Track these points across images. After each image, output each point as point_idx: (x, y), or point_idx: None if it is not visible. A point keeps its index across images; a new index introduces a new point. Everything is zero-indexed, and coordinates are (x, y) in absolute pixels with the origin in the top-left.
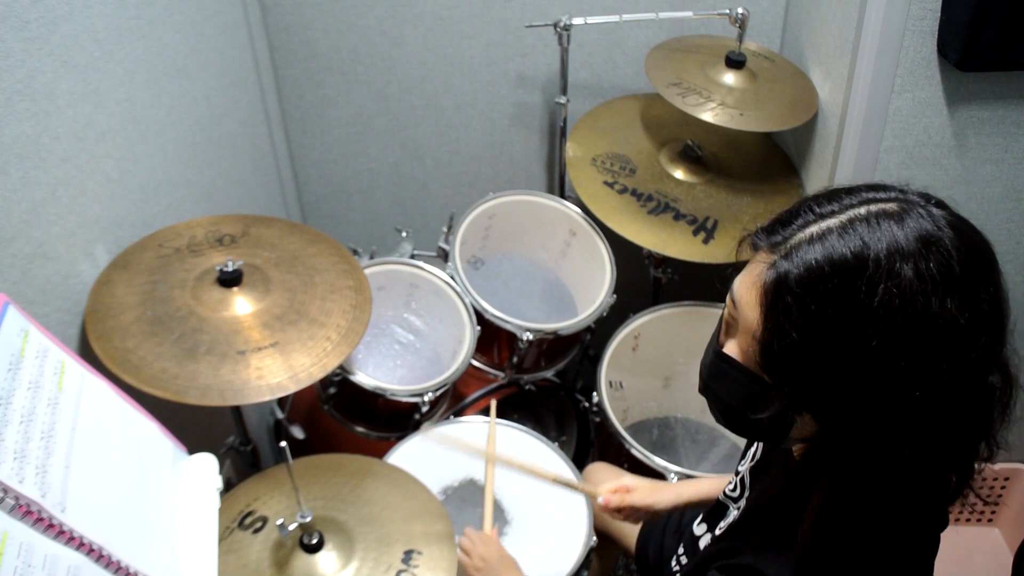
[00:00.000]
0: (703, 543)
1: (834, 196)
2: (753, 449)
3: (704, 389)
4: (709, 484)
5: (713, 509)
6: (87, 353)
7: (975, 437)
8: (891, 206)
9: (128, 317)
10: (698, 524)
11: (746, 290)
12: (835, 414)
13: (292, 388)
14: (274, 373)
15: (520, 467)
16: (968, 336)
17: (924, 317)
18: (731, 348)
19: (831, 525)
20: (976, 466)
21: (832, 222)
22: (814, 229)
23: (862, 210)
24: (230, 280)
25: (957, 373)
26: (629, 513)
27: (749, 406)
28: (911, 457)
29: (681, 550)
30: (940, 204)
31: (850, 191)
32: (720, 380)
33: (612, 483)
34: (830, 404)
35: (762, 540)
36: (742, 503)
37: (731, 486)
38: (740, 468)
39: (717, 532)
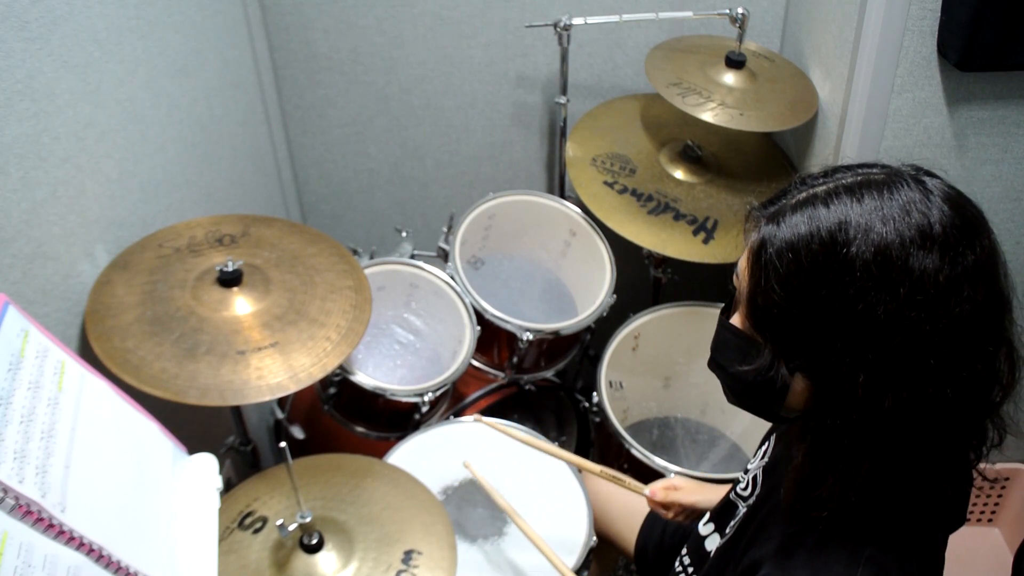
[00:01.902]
0: (710, 544)
1: (829, 171)
2: (765, 447)
3: (711, 362)
4: None
5: (723, 509)
6: (87, 353)
7: (970, 400)
8: (879, 176)
9: (128, 317)
10: (704, 524)
11: (743, 258)
12: (819, 366)
13: (292, 388)
14: (274, 373)
15: (567, 459)
16: (948, 289)
17: (900, 267)
18: (734, 319)
19: (809, 481)
20: (984, 449)
21: (819, 189)
22: (802, 196)
23: (849, 180)
24: (230, 280)
25: (938, 325)
26: (678, 511)
27: (741, 363)
28: (894, 411)
29: (685, 551)
30: (930, 173)
31: (846, 167)
32: (722, 348)
33: (662, 482)
34: (813, 356)
35: (772, 531)
36: (752, 501)
37: (743, 484)
38: (750, 466)
39: (727, 532)
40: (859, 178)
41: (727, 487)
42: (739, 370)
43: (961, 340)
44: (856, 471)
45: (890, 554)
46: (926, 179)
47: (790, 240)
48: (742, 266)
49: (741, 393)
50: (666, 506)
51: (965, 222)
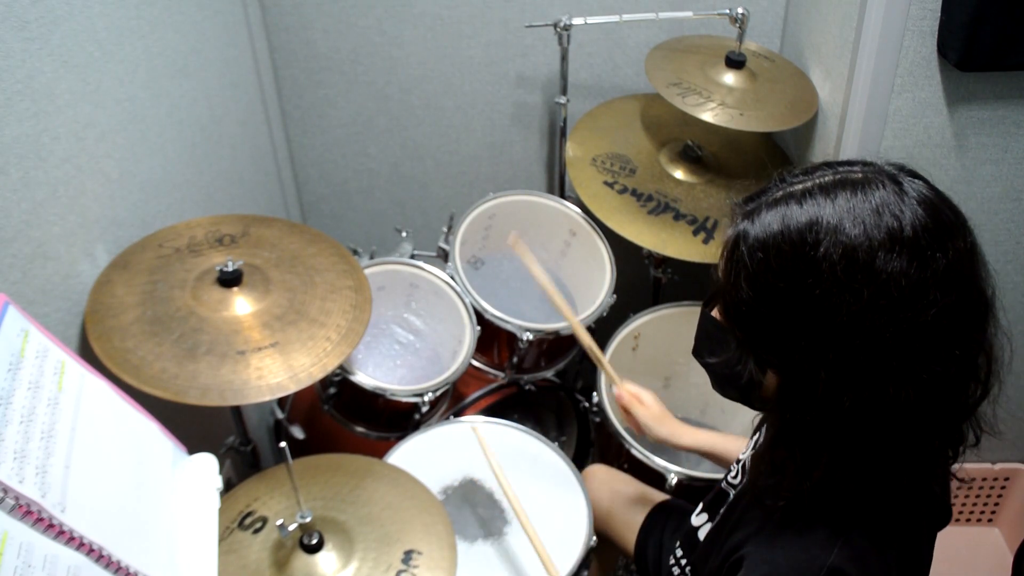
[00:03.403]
0: (703, 533)
1: (808, 169)
2: (755, 436)
3: (694, 350)
4: (707, 438)
5: (715, 498)
6: (87, 353)
7: (936, 403)
8: (857, 176)
9: (128, 317)
10: (697, 515)
11: (720, 253)
12: (783, 362)
13: (292, 388)
14: (274, 373)
15: (569, 319)
16: (914, 294)
17: (865, 270)
18: (715, 311)
19: (769, 470)
20: (961, 448)
21: (795, 188)
22: (778, 194)
23: (827, 179)
24: (230, 280)
25: (901, 329)
26: (628, 419)
27: (713, 353)
28: (854, 409)
29: (679, 550)
30: (912, 173)
31: (827, 164)
32: (703, 339)
33: (635, 387)
34: (778, 352)
35: (746, 513)
36: (739, 488)
37: (733, 473)
38: (742, 456)
39: (716, 518)
40: (837, 176)
41: (685, 429)
42: (708, 361)
43: (926, 343)
44: (814, 464)
45: (867, 539)
46: (905, 180)
47: (761, 238)
48: (719, 261)
49: (720, 383)
50: (624, 410)
51: (938, 225)
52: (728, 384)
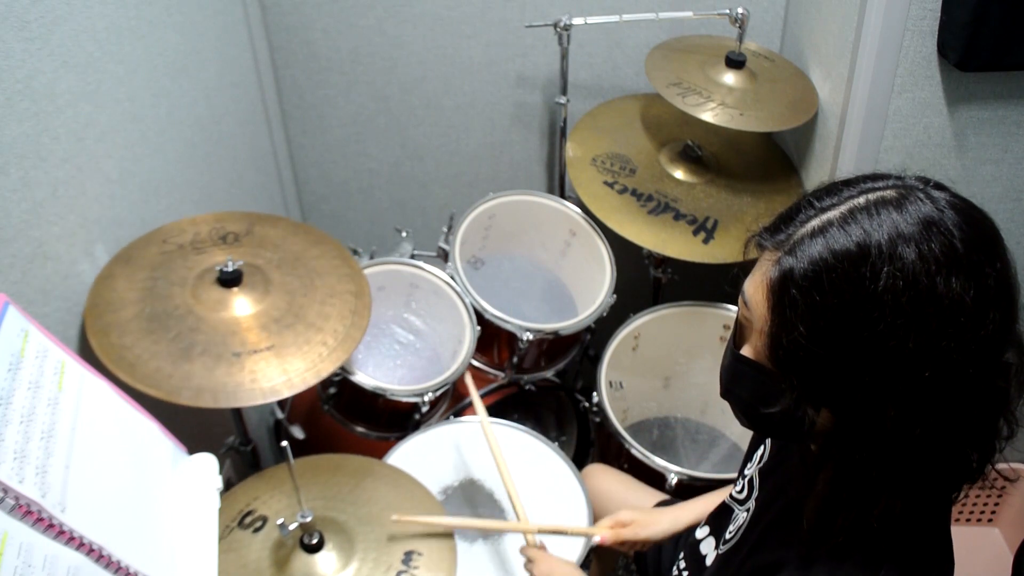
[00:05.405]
0: (705, 548)
1: (833, 189)
2: (760, 451)
3: (725, 393)
4: (705, 504)
5: (717, 513)
6: (86, 352)
7: (991, 414)
8: (890, 193)
9: (127, 313)
10: (700, 527)
11: (755, 290)
12: (845, 402)
13: (286, 392)
14: (268, 377)
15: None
16: (976, 313)
17: (930, 297)
18: (747, 350)
19: (832, 508)
20: (998, 444)
21: (833, 214)
22: (815, 223)
23: (861, 200)
24: (230, 280)
25: (967, 351)
26: (629, 547)
27: (764, 402)
28: (922, 438)
29: (683, 560)
30: (939, 186)
31: (849, 183)
32: (739, 381)
33: (608, 519)
34: (840, 393)
35: (780, 535)
36: (751, 504)
37: (737, 488)
38: (747, 471)
39: (727, 536)
40: (872, 198)
41: (680, 509)
42: (765, 412)
43: (987, 360)
44: (879, 499)
45: (922, 552)
46: (935, 193)
47: (811, 275)
48: (756, 299)
49: (762, 427)
50: (621, 543)
51: (983, 237)
52: (772, 428)
